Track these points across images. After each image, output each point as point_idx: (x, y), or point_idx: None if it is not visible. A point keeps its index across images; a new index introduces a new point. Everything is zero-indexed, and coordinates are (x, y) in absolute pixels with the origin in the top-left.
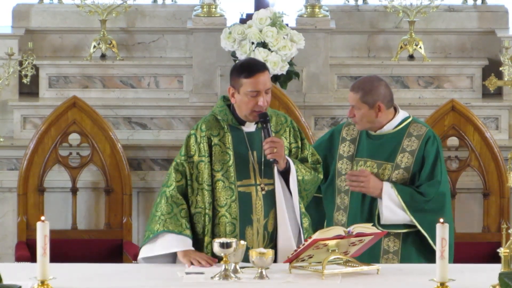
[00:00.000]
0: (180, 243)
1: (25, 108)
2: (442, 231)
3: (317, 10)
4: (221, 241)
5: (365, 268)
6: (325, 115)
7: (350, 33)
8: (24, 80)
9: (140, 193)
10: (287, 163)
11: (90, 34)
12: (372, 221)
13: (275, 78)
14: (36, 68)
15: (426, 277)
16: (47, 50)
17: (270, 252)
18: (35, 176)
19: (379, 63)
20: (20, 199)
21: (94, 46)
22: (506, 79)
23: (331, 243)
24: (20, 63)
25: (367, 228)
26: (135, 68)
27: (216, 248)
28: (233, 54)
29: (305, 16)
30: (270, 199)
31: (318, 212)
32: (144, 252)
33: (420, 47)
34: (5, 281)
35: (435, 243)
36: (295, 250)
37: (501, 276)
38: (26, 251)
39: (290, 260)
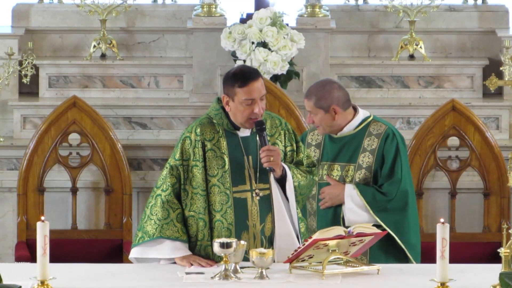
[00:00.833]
0: (178, 249)
1: (25, 108)
2: (442, 231)
3: (317, 10)
4: (221, 241)
5: (365, 268)
6: None
7: (351, 33)
8: (24, 80)
9: (140, 193)
10: (283, 170)
11: (90, 34)
12: (337, 224)
13: (275, 78)
14: (36, 68)
15: (427, 277)
16: (47, 50)
17: (270, 252)
18: (35, 176)
19: (380, 63)
20: (20, 199)
21: (94, 46)
22: (506, 79)
23: (332, 243)
24: (20, 63)
25: (367, 228)
26: (135, 68)
27: (216, 248)
28: (233, 54)
29: (305, 16)
30: (265, 204)
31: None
32: (137, 252)
33: (420, 47)
34: (5, 281)
35: (402, 241)
36: (295, 250)
37: (502, 276)
38: (26, 251)
39: (290, 260)
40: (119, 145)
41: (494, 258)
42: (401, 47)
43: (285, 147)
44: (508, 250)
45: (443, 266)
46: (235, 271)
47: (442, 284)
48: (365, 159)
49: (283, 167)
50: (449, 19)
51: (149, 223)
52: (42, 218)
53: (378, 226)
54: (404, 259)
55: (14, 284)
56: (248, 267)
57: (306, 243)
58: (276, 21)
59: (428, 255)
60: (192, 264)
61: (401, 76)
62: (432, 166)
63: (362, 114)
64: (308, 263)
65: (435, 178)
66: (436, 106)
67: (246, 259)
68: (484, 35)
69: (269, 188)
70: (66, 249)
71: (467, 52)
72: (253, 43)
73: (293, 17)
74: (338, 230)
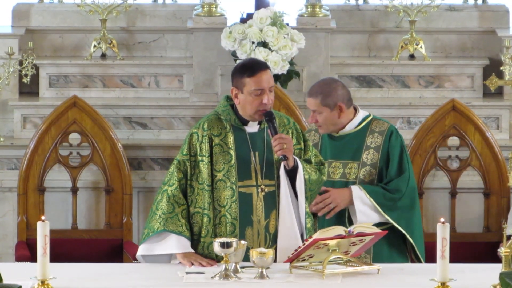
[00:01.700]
0: (180, 245)
1: (25, 108)
2: (442, 231)
3: (317, 9)
4: (222, 241)
5: (365, 268)
6: None
7: (351, 32)
8: (24, 80)
9: (140, 193)
10: (295, 161)
11: (91, 34)
12: (343, 224)
13: (276, 78)
14: (36, 67)
15: (427, 277)
16: (47, 49)
17: (270, 252)
18: (35, 175)
19: (380, 62)
20: (20, 199)
21: (95, 46)
22: (506, 79)
23: (332, 242)
24: (20, 63)
25: (367, 227)
26: (136, 68)
27: (217, 248)
28: (234, 53)
29: (305, 15)
30: (270, 201)
31: None
32: (143, 250)
33: (420, 47)
34: (5, 281)
35: (413, 239)
36: (296, 250)
37: (502, 275)
38: (26, 251)
39: (290, 260)
40: (119, 145)
41: (494, 258)
42: (402, 47)
43: (293, 145)
44: (508, 250)
45: (443, 266)
46: (235, 271)
47: (442, 284)
48: (369, 156)
49: (295, 159)
50: (450, 19)
51: (154, 218)
52: (43, 217)
53: (381, 224)
54: (406, 256)
55: (14, 284)
56: (248, 266)
57: (306, 243)
58: (276, 21)
59: (428, 255)
60: (192, 264)
61: (401, 76)
62: (432, 166)
63: (362, 113)
64: (308, 262)
65: (435, 178)
66: (436, 106)
67: (247, 258)
68: (484, 35)
69: (275, 185)
70: (66, 249)
71: (467, 52)
72: (253, 43)
73: (293, 17)
74: (338, 230)
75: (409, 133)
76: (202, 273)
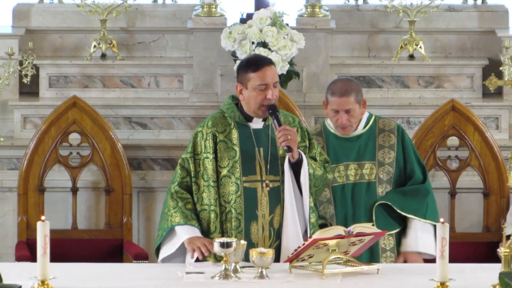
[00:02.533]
0: (183, 232)
1: (25, 108)
2: (442, 231)
3: (317, 10)
4: (221, 241)
5: (365, 267)
6: (325, 115)
7: (351, 32)
8: (24, 80)
9: (140, 193)
10: (299, 154)
11: (90, 34)
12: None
13: None
14: (36, 68)
15: (427, 277)
16: (47, 50)
17: (270, 252)
18: (35, 176)
19: (379, 62)
20: (20, 199)
21: (95, 46)
22: (506, 79)
23: (331, 242)
24: (20, 63)
25: (367, 227)
26: (136, 68)
27: (216, 248)
28: (234, 54)
29: (305, 16)
30: (275, 196)
31: None
32: (162, 253)
33: (420, 47)
34: (5, 281)
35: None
36: (295, 250)
37: (501, 275)
38: (26, 251)
39: (290, 260)
40: (119, 145)
41: (494, 257)
42: (401, 47)
43: (298, 143)
44: (508, 250)
45: (443, 265)
46: (235, 271)
47: (442, 283)
48: (386, 155)
49: (299, 152)
50: (449, 19)
51: (164, 218)
52: (43, 217)
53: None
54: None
55: (14, 284)
56: (248, 266)
57: (306, 243)
58: (276, 21)
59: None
60: (194, 254)
61: (401, 76)
62: (432, 166)
63: (366, 113)
64: (308, 262)
65: (435, 178)
66: (436, 106)
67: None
68: (484, 35)
69: (280, 181)
70: (66, 249)
71: (467, 52)
72: (253, 43)
73: (293, 17)
74: (338, 230)
75: (408, 133)
76: (202, 273)
